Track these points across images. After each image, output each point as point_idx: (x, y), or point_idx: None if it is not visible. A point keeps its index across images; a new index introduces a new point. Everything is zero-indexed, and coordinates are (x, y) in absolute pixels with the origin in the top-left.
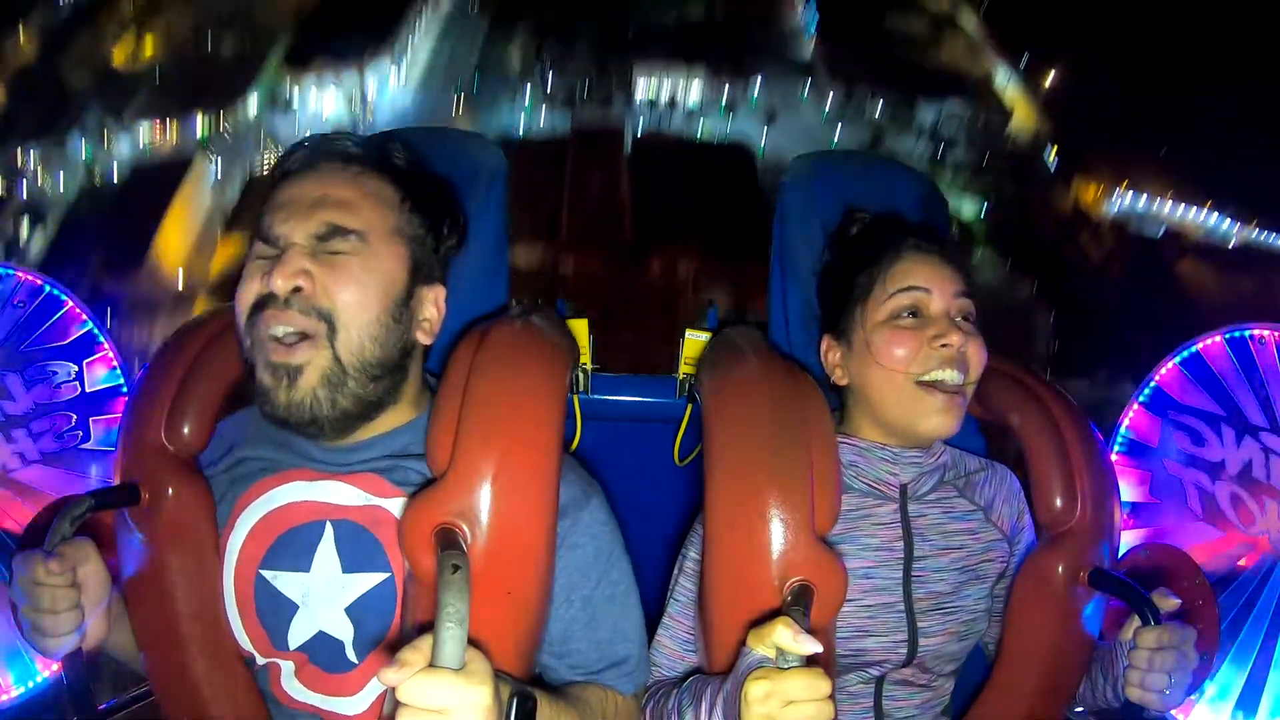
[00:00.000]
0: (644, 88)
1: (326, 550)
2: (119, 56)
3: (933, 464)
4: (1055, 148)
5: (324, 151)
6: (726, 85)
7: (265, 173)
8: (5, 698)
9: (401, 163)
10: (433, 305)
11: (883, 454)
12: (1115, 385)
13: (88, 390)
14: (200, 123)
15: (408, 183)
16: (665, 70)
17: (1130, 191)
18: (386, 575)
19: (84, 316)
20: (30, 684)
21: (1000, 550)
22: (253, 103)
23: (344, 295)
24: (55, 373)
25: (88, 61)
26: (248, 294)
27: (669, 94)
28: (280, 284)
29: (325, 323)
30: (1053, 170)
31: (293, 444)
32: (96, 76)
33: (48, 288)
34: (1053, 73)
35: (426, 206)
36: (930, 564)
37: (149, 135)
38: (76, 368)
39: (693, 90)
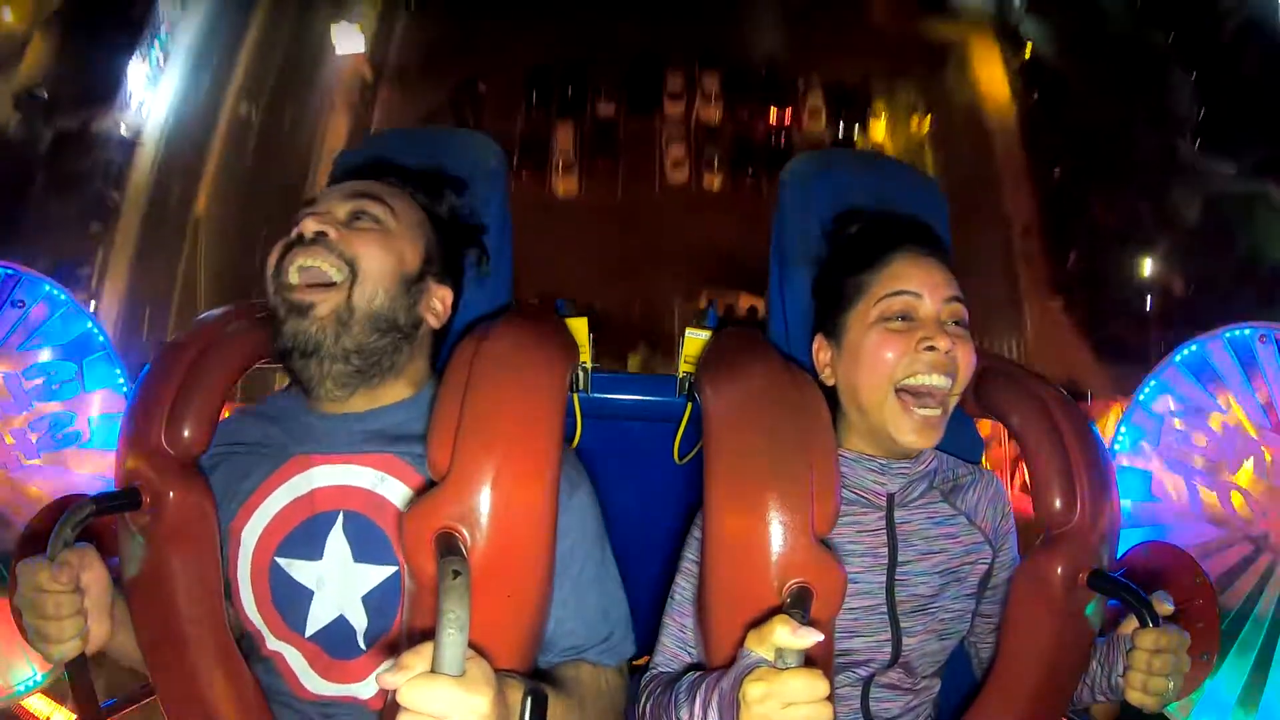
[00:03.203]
0: None
1: (336, 539)
2: None
3: (920, 471)
4: None
5: (367, 172)
6: None
7: None
8: (5, 697)
9: (420, 189)
10: (440, 302)
11: (870, 465)
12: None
13: (87, 389)
14: None
15: (428, 203)
16: None
17: None
18: (393, 569)
19: (84, 315)
20: (31, 684)
21: (983, 552)
22: None
23: (364, 249)
24: (55, 372)
25: None
26: (279, 246)
27: None
28: (310, 226)
29: (349, 267)
30: None
31: (298, 425)
32: None
33: (47, 286)
34: None
35: (443, 223)
36: (913, 568)
37: None
38: (76, 367)
39: None
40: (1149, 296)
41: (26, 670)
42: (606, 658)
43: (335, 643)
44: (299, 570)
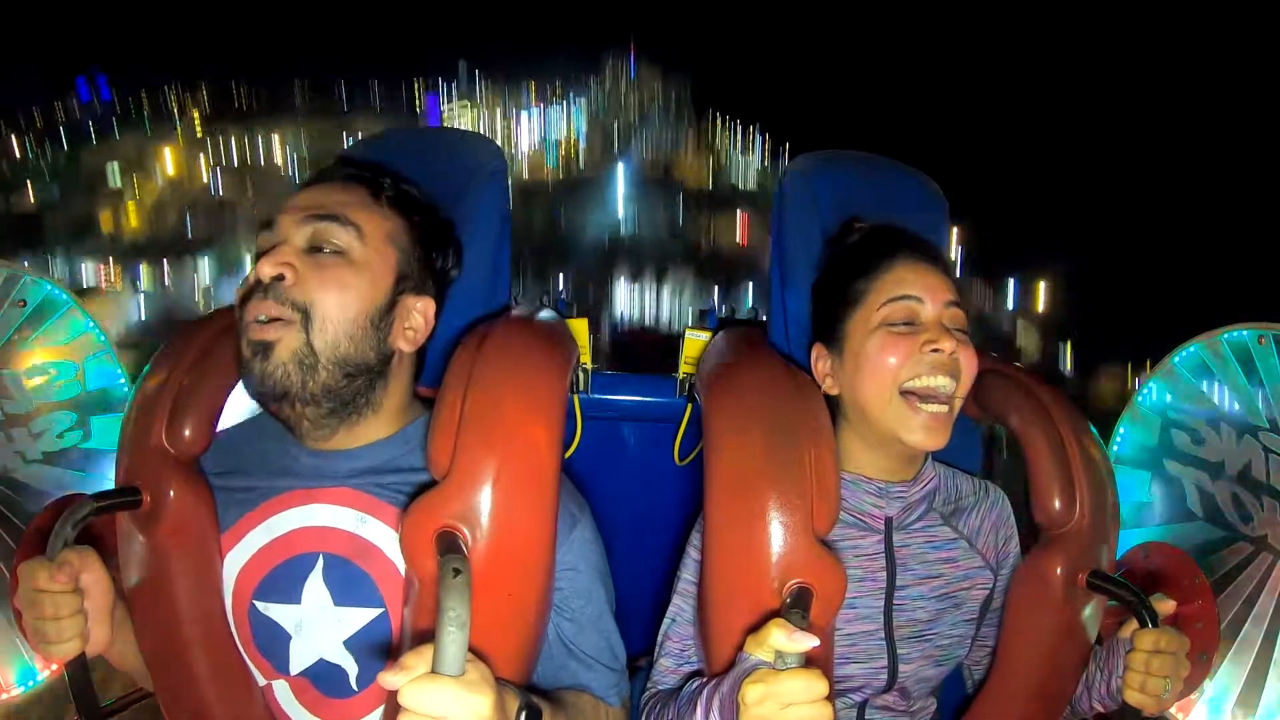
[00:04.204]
0: None
1: (315, 583)
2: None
3: (919, 494)
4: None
5: (328, 172)
6: None
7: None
8: (5, 697)
9: (391, 190)
10: (419, 315)
11: (869, 488)
12: None
13: (88, 389)
14: (144, 273)
15: (400, 203)
16: None
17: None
18: (380, 610)
19: (85, 315)
20: (31, 684)
21: (983, 578)
22: (203, 266)
23: (324, 294)
24: (56, 371)
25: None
26: (239, 292)
27: None
28: (266, 270)
29: (300, 313)
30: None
31: (286, 456)
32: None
33: (48, 286)
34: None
35: (417, 224)
36: (911, 593)
37: (93, 276)
38: (77, 366)
39: None
40: None
41: (27, 669)
42: (610, 696)
43: (325, 681)
44: (277, 613)
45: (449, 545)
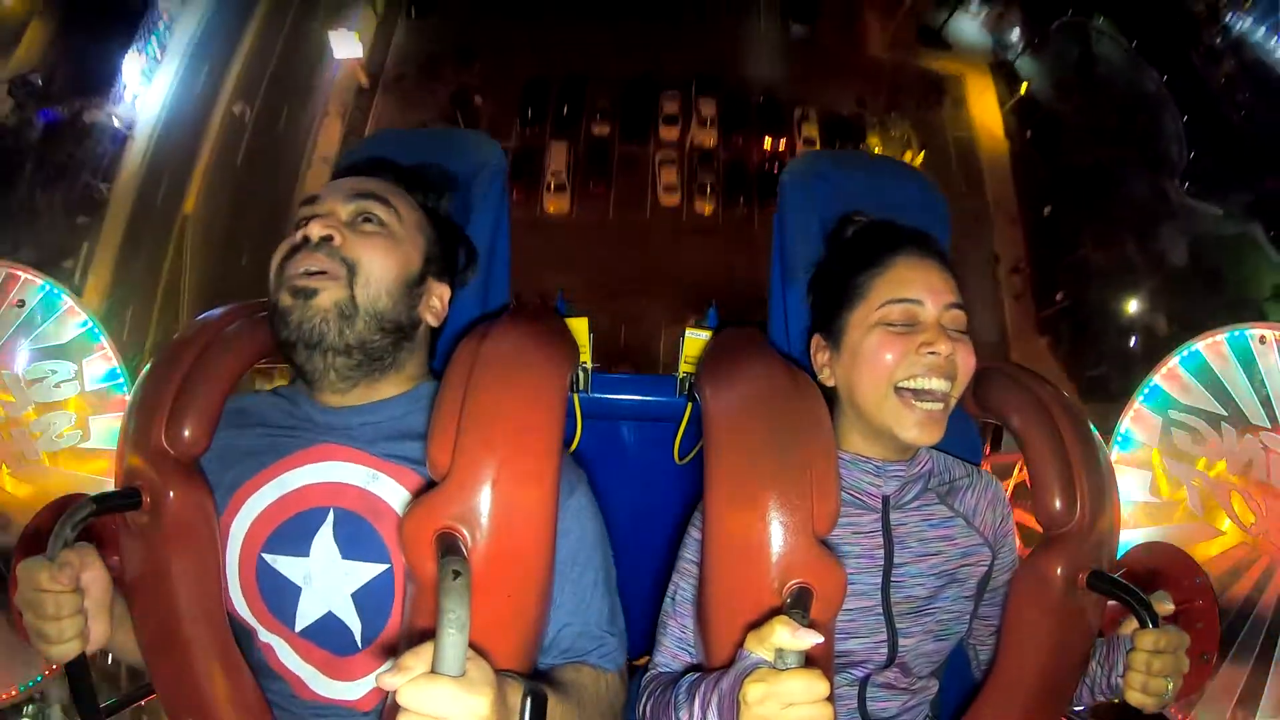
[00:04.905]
0: None
1: (325, 536)
2: None
3: (916, 473)
4: None
5: (358, 167)
6: None
7: None
8: (6, 697)
9: (420, 191)
10: (438, 299)
11: (866, 466)
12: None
13: (87, 389)
14: None
15: (423, 202)
16: None
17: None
18: (385, 567)
19: (83, 315)
20: (31, 685)
21: (981, 554)
22: None
23: (370, 255)
24: (55, 371)
25: None
26: (284, 246)
27: None
28: (315, 231)
29: (347, 268)
30: None
31: (298, 413)
32: None
33: (48, 286)
34: None
35: (436, 223)
36: (909, 570)
37: None
38: (76, 366)
39: None
40: (1134, 336)
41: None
42: (607, 662)
43: (328, 639)
44: (285, 566)
45: (449, 547)
